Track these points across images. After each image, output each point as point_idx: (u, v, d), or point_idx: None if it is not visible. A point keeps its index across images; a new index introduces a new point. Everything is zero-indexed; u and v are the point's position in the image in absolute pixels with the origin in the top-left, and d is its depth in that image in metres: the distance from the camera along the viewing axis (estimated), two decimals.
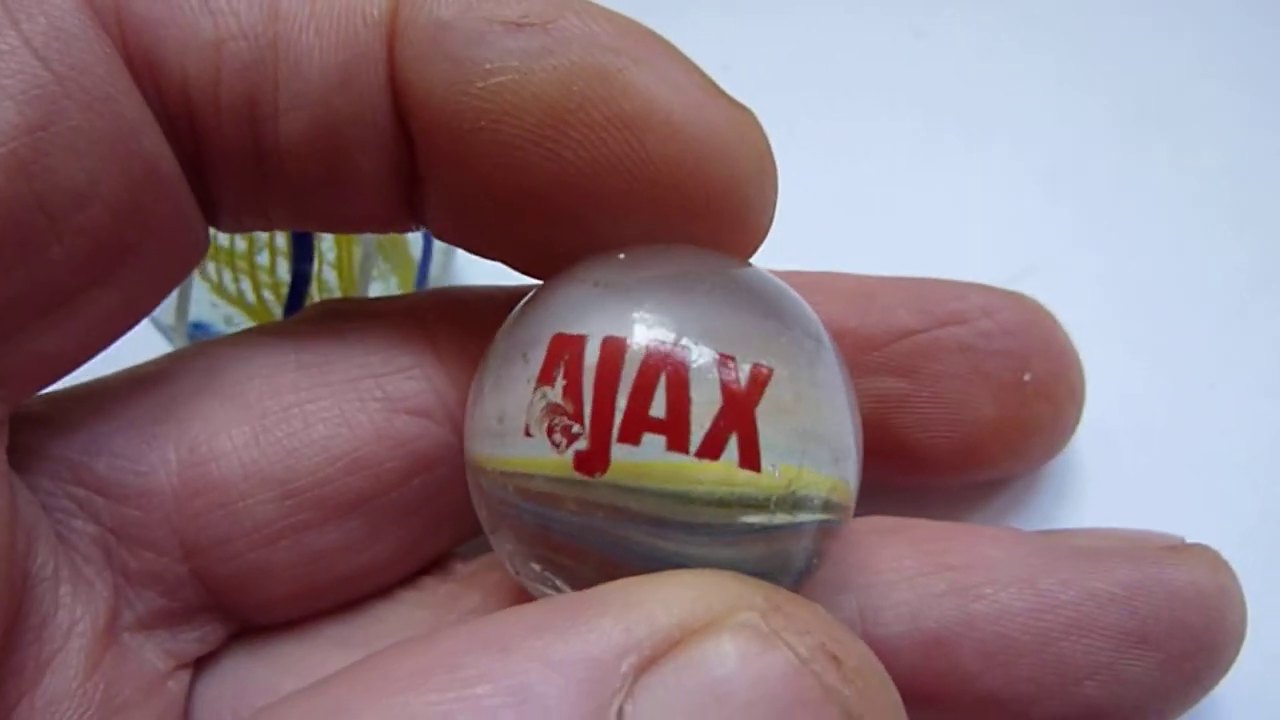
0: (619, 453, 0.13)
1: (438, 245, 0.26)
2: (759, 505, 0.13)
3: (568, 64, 0.14)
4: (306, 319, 0.18)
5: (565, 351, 0.14)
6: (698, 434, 0.13)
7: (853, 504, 0.15)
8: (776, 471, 0.13)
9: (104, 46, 0.14)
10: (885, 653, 0.14)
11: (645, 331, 0.14)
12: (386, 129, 0.15)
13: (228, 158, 0.15)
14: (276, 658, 0.17)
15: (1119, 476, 0.23)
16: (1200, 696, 0.18)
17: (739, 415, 0.13)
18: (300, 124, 0.15)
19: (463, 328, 0.17)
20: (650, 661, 0.11)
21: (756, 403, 0.13)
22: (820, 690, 0.11)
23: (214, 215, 0.16)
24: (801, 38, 0.31)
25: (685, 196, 0.15)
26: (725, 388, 0.13)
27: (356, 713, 0.11)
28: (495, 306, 0.17)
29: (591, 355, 0.14)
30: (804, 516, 0.14)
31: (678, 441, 0.13)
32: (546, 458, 0.13)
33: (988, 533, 0.19)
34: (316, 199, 0.16)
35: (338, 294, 0.23)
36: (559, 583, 0.14)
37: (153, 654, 0.16)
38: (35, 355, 0.15)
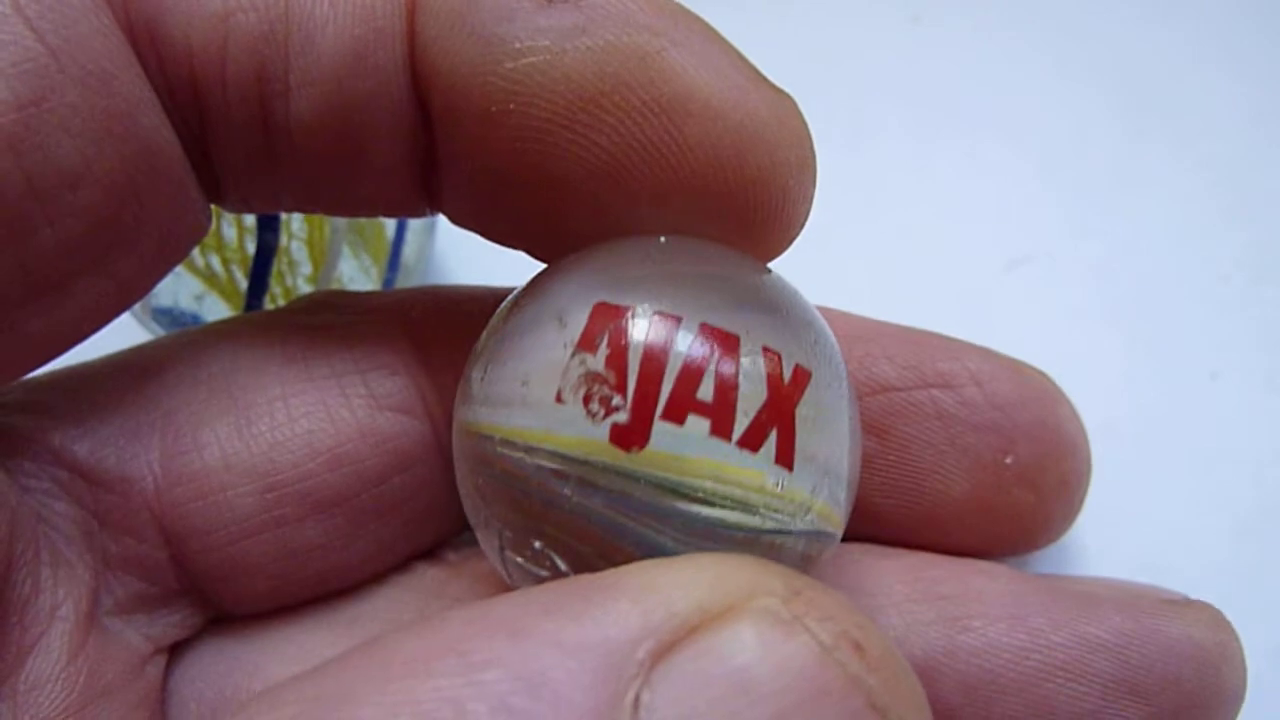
0: (659, 431, 0.13)
1: (413, 225, 0.25)
2: (778, 510, 0.13)
3: (602, 44, 0.13)
4: (293, 310, 0.18)
5: (610, 321, 0.13)
6: (742, 423, 0.13)
7: (842, 529, 0.14)
8: (797, 478, 0.13)
9: (103, 18, 0.13)
10: None
11: (697, 313, 0.13)
12: (403, 109, 0.14)
13: (234, 136, 0.14)
14: (258, 641, 0.17)
15: (1118, 466, 0.23)
16: None
17: (781, 411, 0.13)
18: (312, 102, 0.14)
19: (448, 328, 0.17)
20: (668, 648, 0.10)
21: (797, 402, 0.13)
22: (844, 679, 0.10)
23: (219, 195, 0.16)
24: (797, 23, 0.31)
25: (722, 186, 0.14)
26: (770, 381, 0.13)
27: (361, 698, 0.10)
28: (483, 308, 0.16)
29: (640, 329, 0.13)
30: (801, 526, 0.13)
31: (721, 427, 0.13)
32: (577, 427, 0.13)
33: (984, 566, 0.18)
34: (327, 180, 0.15)
35: (307, 268, 0.23)
36: (559, 562, 0.13)
37: (133, 638, 0.16)
38: (23, 339, 0.14)
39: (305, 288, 0.23)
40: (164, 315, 0.24)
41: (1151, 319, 0.25)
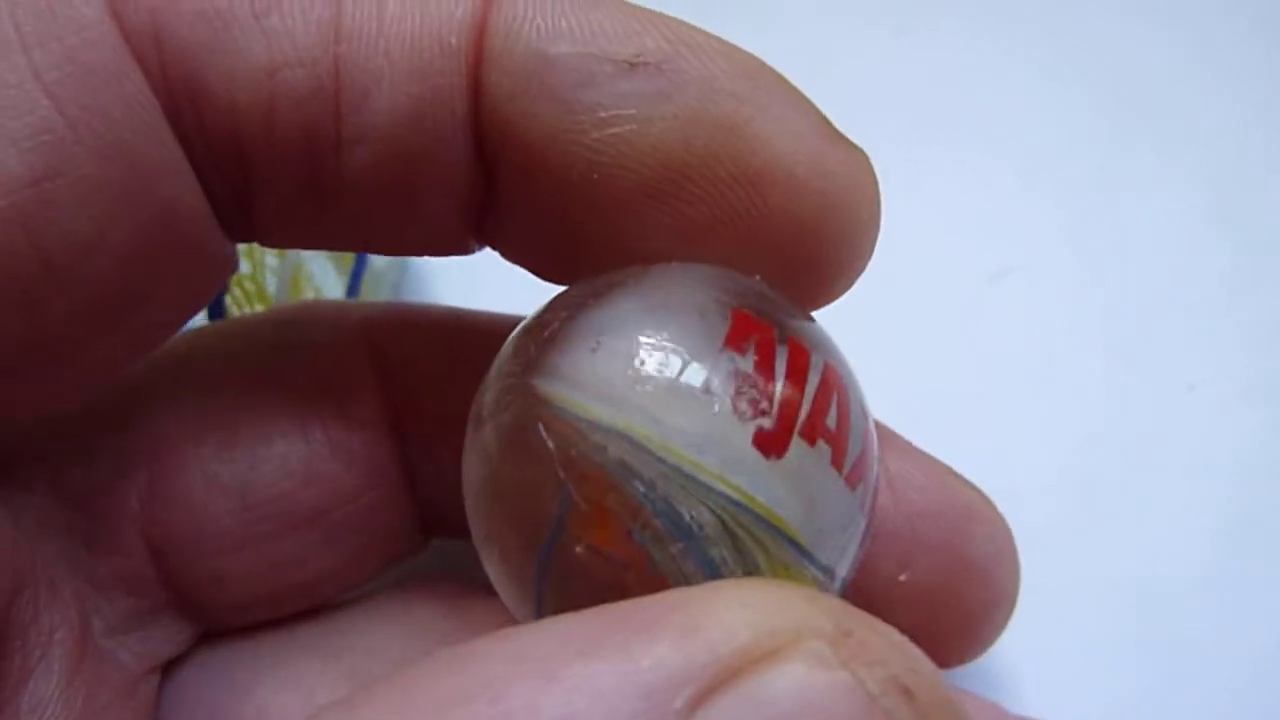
0: (794, 446, 0.13)
1: None
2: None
3: (689, 113, 0.13)
4: (266, 324, 0.18)
5: (754, 332, 0.13)
6: (851, 457, 0.13)
7: None
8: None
9: (128, 83, 0.12)
10: None
11: (822, 352, 0.13)
12: (462, 162, 0.14)
13: (279, 189, 0.14)
14: (248, 661, 0.17)
15: (1096, 477, 0.23)
16: None
17: (872, 457, 0.14)
18: (364, 158, 0.13)
19: (414, 345, 0.17)
20: (708, 693, 0.10)
21: (876, 455, 0.14)
22: None
23: (257, 234, 0.15)
24: (780, 36, 0.31)
25: (800, 247, 0.14)
26: (868, 428, 0.14)
27: None
28: (446, 328, 0.16)
29: (781, 346, 0.13)
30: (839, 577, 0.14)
31: (838, 458, 0.13)
32: (718, 423, 0.12)
33: (971, 701, 0.18)
34: (376, 226, 0.15)
35: (274, 261, 0.23)
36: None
37: (125, 657, 0.16)
38: (38, 393, 0.14)
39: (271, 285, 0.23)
40: None
41: (1130, 331, 0.25)
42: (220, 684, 0.17)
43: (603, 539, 0.13)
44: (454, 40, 0.13)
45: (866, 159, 0.14)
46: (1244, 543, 0.22)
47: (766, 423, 0.12)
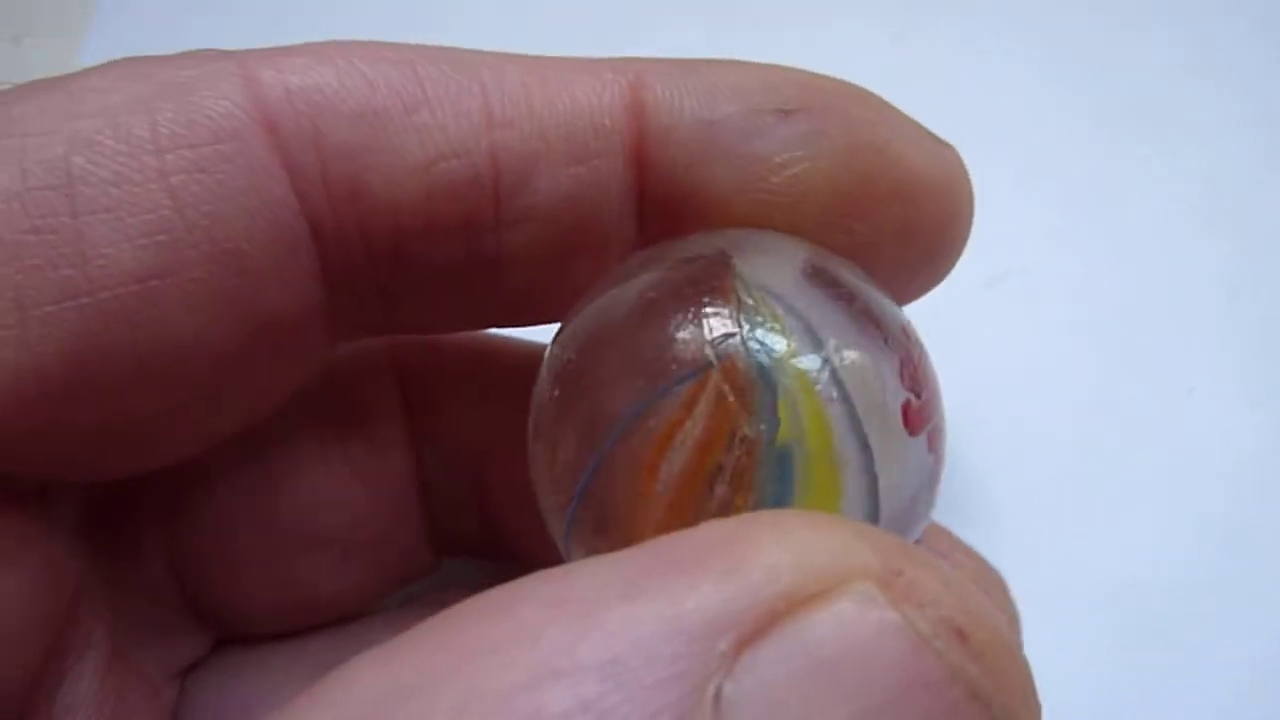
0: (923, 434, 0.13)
1: None
2: None
3: (844, 144, 0.15)
4: None
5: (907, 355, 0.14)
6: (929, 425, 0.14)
7: None
8: None
9: (253, 194, 0.13)
10: None
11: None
12: (626, 236, 0.15)
13: (437, 273, 0.14)
14: (267, 665, 0.18)
15: (1095, 480, 0.23)
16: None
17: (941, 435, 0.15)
18: (525, 238, 0.14)
19: (440, 369, 0.18)
20: (753, 636, 0.09)
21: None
22: (943, 670, 0.10)
23: (398, 323, 0.15)
24: (778, 42, 0.31)
25: (936, 237, 0.16)
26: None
27: (432, 694, 0.09)
28: (472, 353, 0.17)
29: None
30: None
31: (934, 443, 0.14)
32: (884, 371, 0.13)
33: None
34: (534, 302, 0.15)
35: None
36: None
37: (150, 664, 0.17)
38: (106, 468, 0.14)
39: None
40: None
41: (1128, 334, 0.25)
42: (235, 692, 0.17)
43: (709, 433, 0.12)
44: (608, 122, 0.14)
45: (956, 153, 0.16)
46: (1243, 546, 0.22)
47: (915, 400, 0.13)
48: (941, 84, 0.30)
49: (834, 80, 0.15)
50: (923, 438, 0.13)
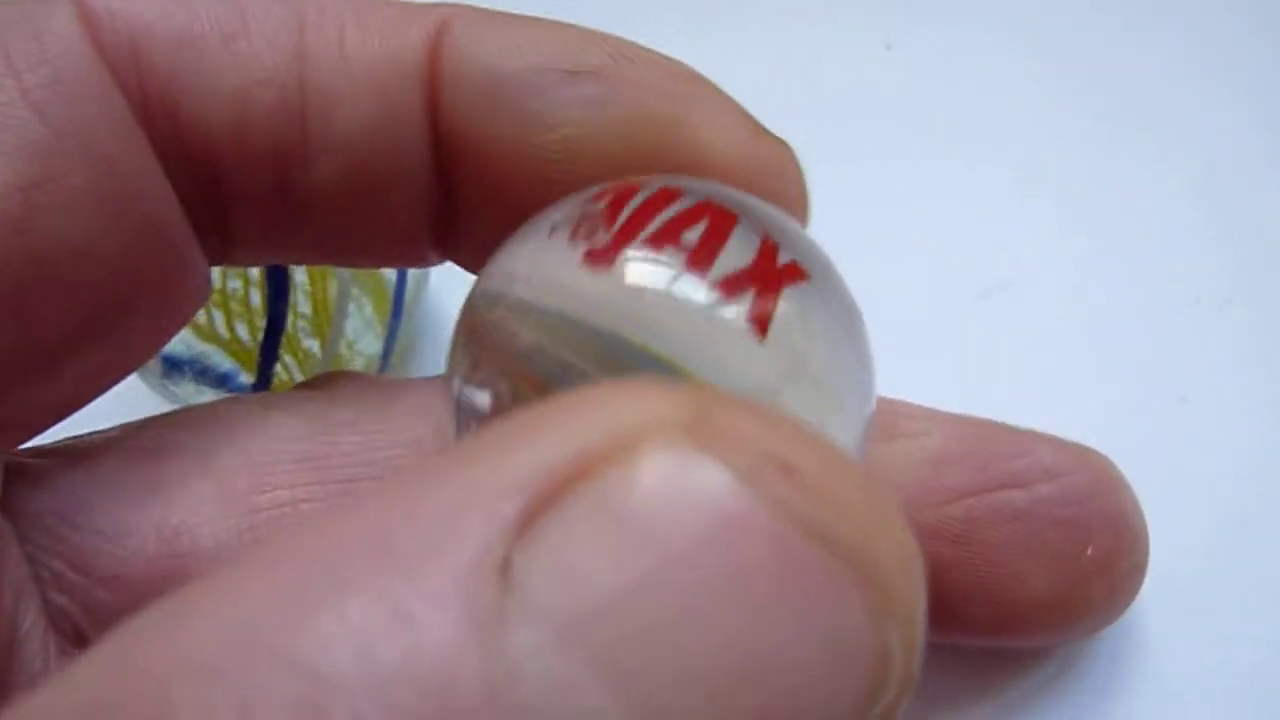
0: (634, 258, 0.12)
1: (412, 273, 0.26)
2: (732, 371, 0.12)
3: (629, 114, 0.15)
4: (310, 396, 0.17)
5: (622, 186, 0.13)
6: (721, 267, 0.12)
7: None
8: (768, 350, 0.12)
9: (109, 104, 0.14)
10: None
11: (703, 190, 0.13)
12: (423, 178, 0.15)
13: (251, 202, 0.15)
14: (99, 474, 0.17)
15: None
16: None
17: (766, 278, 0.12)
18: (330, 171, 0.15)
19: None
20: (545, 504, 0.08)
21: (786, 283, 0.12)
22: (765, 507, 0.08)
23: (228, 252, 0.16)
24: (770, 50, 0.31)
25: None
26: (762, 251, 0.12)
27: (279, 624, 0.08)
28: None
29: (647, 189, 0.13)
30: None
31: (699, 261, 0.12)
32: (554, 253, 0.13)
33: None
34: (342, 237, 0.16)
35: (309, 318, 0.23)
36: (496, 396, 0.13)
37: None
38: (25, 406, 0.15)
39: (313, 347, 0.23)
40: (172, 367, 0.25)
41: (1121, 344, 0.26)
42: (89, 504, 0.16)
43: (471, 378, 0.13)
44: (409, 63, 0.14)
45: (790, 150, 0.16)
46: (1237, 556, 0.22)
47: (601, 239, 0.12)
48: (934, 95, 0.30)
49: (650, 52, 0.15)
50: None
